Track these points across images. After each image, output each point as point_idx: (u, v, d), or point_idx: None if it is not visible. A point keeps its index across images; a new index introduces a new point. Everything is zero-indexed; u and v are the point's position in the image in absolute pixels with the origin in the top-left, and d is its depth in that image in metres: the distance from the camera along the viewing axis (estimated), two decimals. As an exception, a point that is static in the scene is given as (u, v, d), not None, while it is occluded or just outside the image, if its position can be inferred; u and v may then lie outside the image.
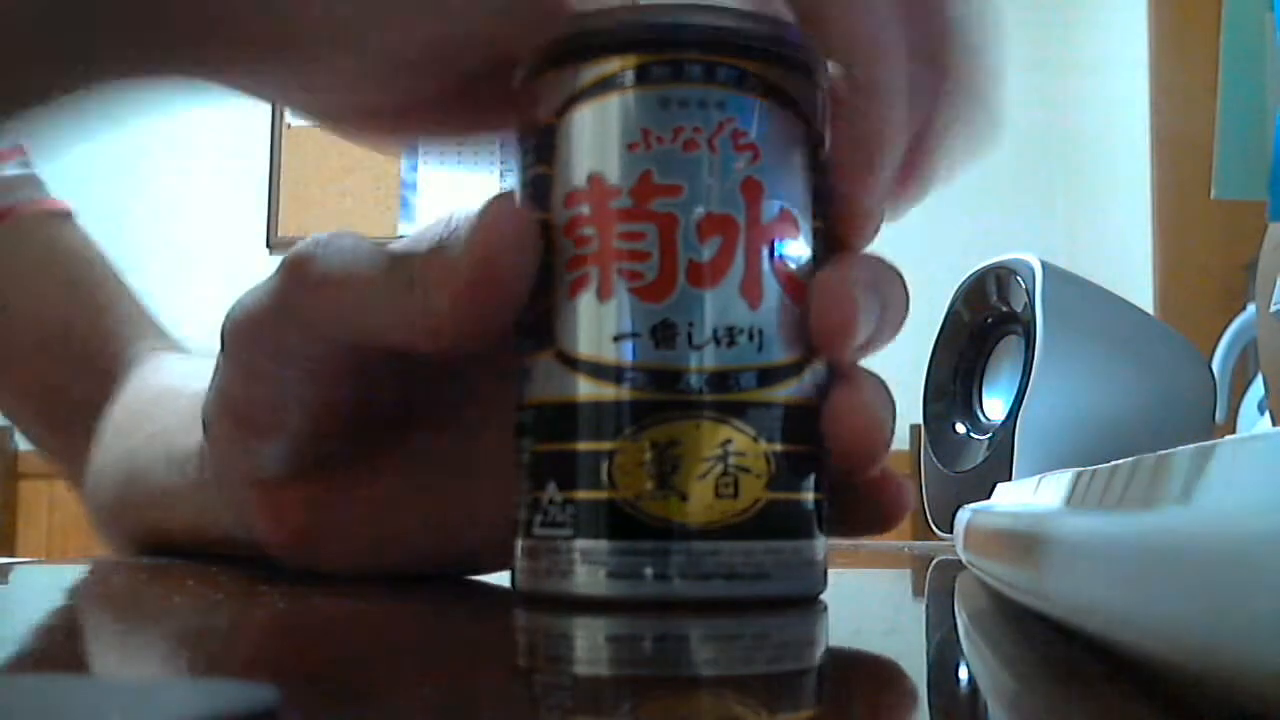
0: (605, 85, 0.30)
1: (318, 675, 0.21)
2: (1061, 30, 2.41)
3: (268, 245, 2.45)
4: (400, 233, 2.43)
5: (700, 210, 0.29)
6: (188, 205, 2.43)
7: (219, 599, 0.34)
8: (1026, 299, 0.67)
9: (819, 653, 0.26)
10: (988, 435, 0.70)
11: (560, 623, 0.28)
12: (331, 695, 0.19)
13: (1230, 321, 1.05)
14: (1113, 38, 2.27)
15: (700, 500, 0.28)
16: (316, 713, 0.17)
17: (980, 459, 0.69)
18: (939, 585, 0.43)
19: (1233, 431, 0.96)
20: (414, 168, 2.48)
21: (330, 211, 2.46)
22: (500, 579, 0.35)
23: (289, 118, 2.52)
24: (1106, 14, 2.30)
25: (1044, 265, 0.68)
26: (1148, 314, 0.76)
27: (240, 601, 0.34)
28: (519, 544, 0.30)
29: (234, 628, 0.29)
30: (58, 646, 0.24)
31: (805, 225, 0.30)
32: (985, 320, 0.73)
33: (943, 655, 0.25)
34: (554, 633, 0.28)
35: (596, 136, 0.30)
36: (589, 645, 0.26)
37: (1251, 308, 0.71)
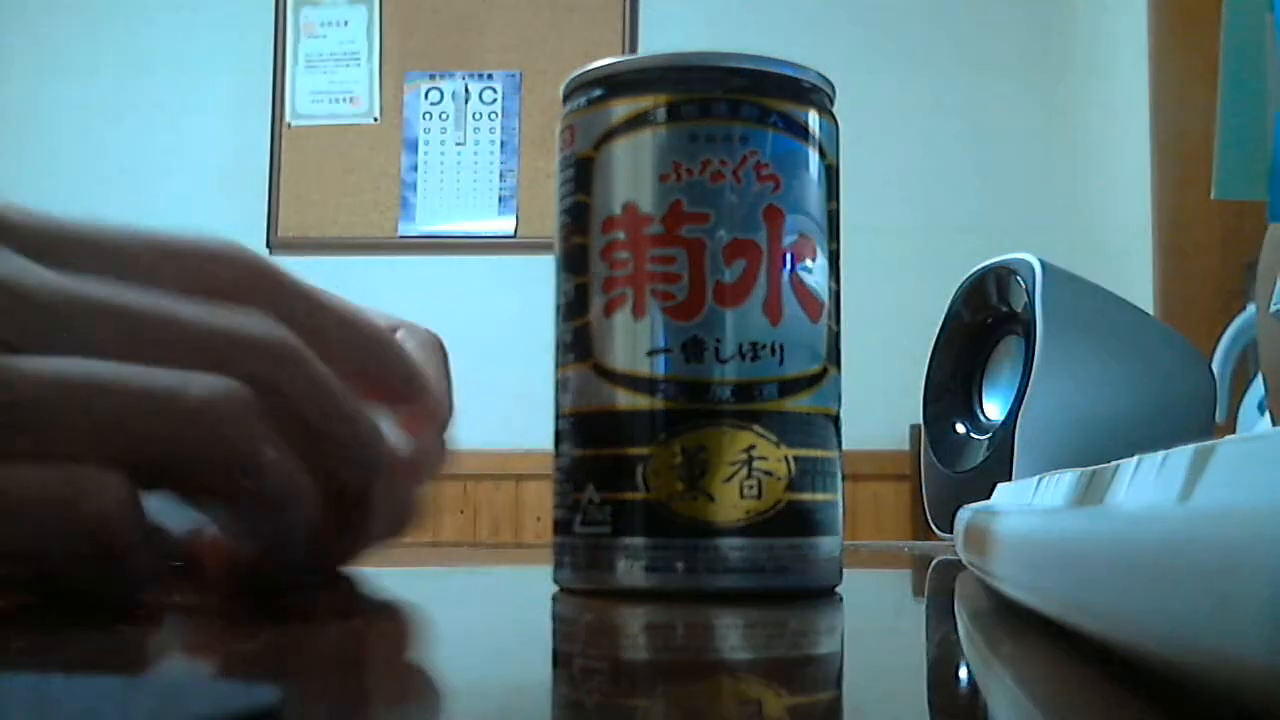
0: (639, 122, 0.33)
1: (317, 675, 0.21)
2: (1061, 30, 2.41)
3: (268, 245, 2.44)
4: (400, 233, 2.43)
5: (726, 236, 0.32)
6: (188, 205, 2.43)
7: (218, 598, 0.34)
8: (1026, 299, 0.67)
9: (816, 654, 0.26)
10: (988, 435, 0.70)
11: (565, 610, 0.28)
12: (331, 695, 0.19)
13: (1230, 321, 1.05)
14: (1113, 38, 2.27)
15: (726, 501, 0.31)
16: (317, 712, 0.17)
17: (980, 459, 0.69)
18: (939, 585, 0.43)
19: (1233, 431, 0.96)
20: (414, 167, 2.48)
21: (330, 211, 2.46)
22: (485, 582, 0.35)
23: (289, 118, 2.52)
24: (1106, 14, 2.30)
25: (1044, 265, 0.68)
26: (1148, 314, 0.76)
27: (239, 601, 0.34)
28: (559, 541, 0.33)
29: (233, 627, 0.29)
30: (56, 646, 0.24)
31: (822, 247, 0.33)
32: (985, 320, 0.73)
33: (943, 655, 0.25)
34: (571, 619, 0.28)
35: (631, 168, 0.33)
36: (599, 634, 0.26)
37: (1251, 308, 0.71)
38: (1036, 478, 0.32)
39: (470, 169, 2.48)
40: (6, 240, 0.27)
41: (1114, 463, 0.21)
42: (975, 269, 0.74)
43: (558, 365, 0.34)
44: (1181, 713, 0.15)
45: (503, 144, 2.48)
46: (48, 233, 0.28)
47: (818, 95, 0.34)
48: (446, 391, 0.37)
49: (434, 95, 2.50)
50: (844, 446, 0.34)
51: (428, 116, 2.49)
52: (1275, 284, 0.54)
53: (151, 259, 0.29)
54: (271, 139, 2.52)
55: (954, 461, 0.72)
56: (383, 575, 0.37)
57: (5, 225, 0.27)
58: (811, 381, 0.32)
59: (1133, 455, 0.20)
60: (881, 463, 2.21)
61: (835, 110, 0.35)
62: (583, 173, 0.33)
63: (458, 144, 2.49)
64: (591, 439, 0.32)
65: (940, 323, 0.75)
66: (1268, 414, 0.64)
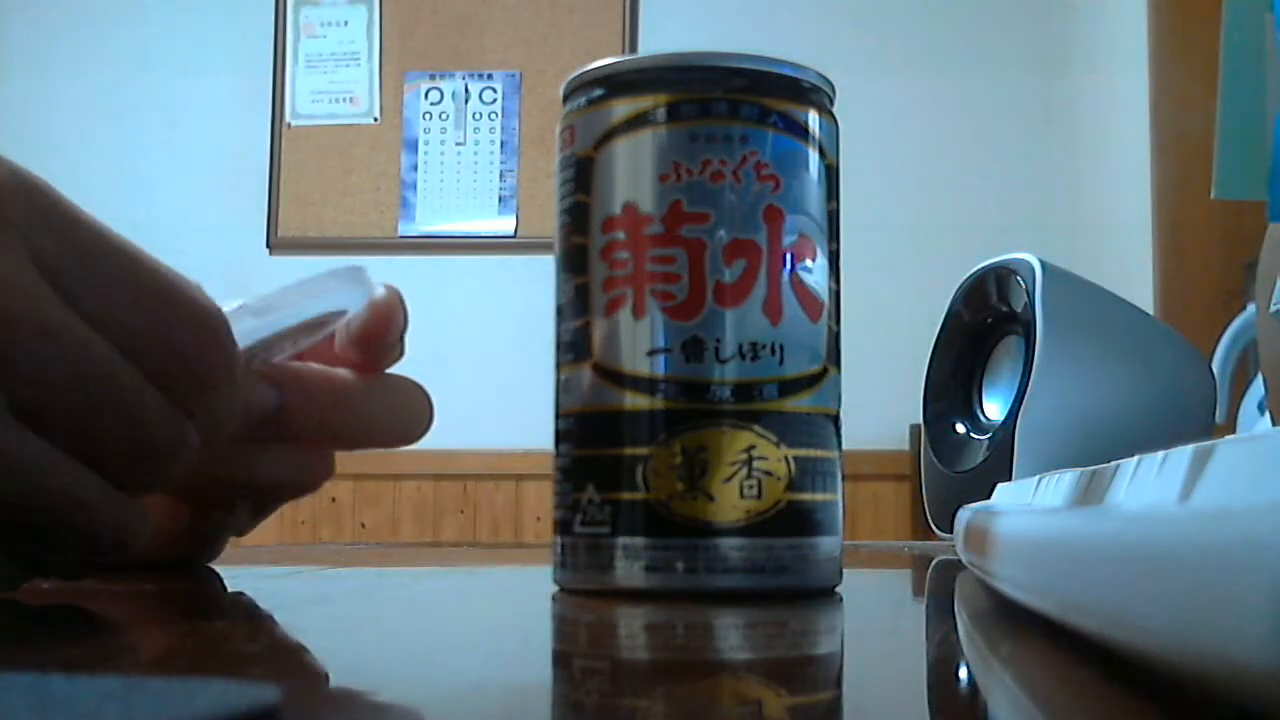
0: (639, 121, 0.33)
1: (317, 675, 0.21)
2: (1061, 29, 2.41)
3: (268, 245, 2.44)
4: (400, 233, 2.42)
5: (726, 236, 0.32)
6: (188, 206, 2.43)
7: (216, 597, 0.34)
8: (1026, 299, 0.67)
9: (816, 654, 0.26)
10: (988, 435, 0.70)
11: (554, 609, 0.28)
12: (332, 695, 0.19)
13: (1230, 321, 1.05)
14: (1113, 37, 2.27)
15: (726, 501, 0.31)
16: (317, 713, 0.17)
17: (980, 459, 0.69)
18: (939, 585, 0.43)
19: (1233, 431, 0.96)
20: (414, 167, 2.48)
21: (330, 211, 2.46)
22: (471, 582, 0.35)
23: (289, 118, 2.52)
24: (1106, 13, 2.30)
25: (1044, 265, 0.68)
26: (1148, 314, 0.76)
27: (236, 600, 0.34)
28: (559, 541, 0.33)
29: (231, 626, 0.29)
30: (56, 646, 0.24)
31: (822, 247, 0.33)
32: (985, 320, 0.73)
33: (943, 655, 0.25)
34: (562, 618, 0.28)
35: (631, 168, 0.33)
36: (600, 633, 0.26)
37: (1251, 308, 0.71)
38: (1036, 478, 0.32)
39: (470, 169, 2.48)
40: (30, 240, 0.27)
41: (1114, 463, 0.21)
42: (975, 269, 0.74)
43: (558, 365, 0.34)
44: (1181, 713, 0.15)
45: (503, 144, 2.48)
46: (66, 244, 0.28)
47: (818, 95, 0.34)
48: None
49: (434, 95, 2.50)
50: (844, 446, 0.34)
51: (428, 116, 2.49)
52: (1275, 284, 0.54)
53: (135, 301, 0.29)
54: (271, 139, 2.51)
55: (954, 461, 0.72)
56: (383, 575, 0.37)
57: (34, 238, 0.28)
58: (811, 381, 0.33)
59: (1133, 455, 0.20)
60: (881, 463, 2.21)
61: (835, 110, 0.35)
62: (583, 173, 0.34)
63: (458, 144, 2.49)
64: (591, 439, 0.33)
65: (940, 323, 0.75)
66: (1268, 414, 0.64)
